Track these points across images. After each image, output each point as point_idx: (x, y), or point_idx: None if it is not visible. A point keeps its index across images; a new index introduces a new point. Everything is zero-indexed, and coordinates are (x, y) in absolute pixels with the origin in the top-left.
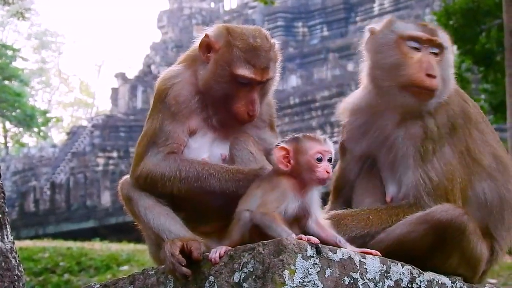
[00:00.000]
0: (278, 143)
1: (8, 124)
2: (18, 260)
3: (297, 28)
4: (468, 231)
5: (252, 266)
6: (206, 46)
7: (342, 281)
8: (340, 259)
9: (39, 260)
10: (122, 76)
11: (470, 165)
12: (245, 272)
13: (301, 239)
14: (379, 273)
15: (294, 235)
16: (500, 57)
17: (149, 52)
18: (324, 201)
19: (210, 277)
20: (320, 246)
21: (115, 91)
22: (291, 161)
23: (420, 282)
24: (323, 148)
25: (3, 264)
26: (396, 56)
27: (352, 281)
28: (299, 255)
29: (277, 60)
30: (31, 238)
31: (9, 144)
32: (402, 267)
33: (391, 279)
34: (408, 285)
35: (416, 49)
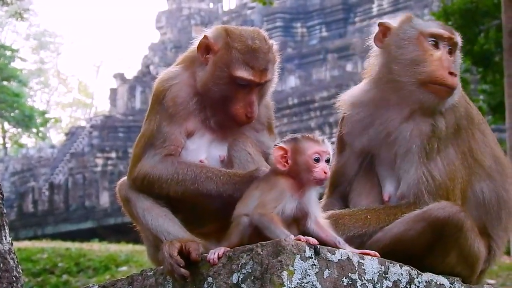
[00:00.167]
0: (277, 143)
1: (6, 125)
2: (17, 261)
3: (296, 28)
4: (465, 228)
5: (250, 267)
6: (205, 47)
7: (341, 282)
8: (338, 260)
9: (37, 261)
10: (120, 77)
11: (472, 165)
12: (244, 273)
13: (299, 240)
14: (378, 274)
15: (292, 236)
16: (499, 58)
17: (148, 53)
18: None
19: (208, 278)
20: (318, 247)
21: (113, 91)
22: (289, 161)
23: (419, 283)
24: (321, 148)
25: (1, 265)
26: (417, 52)
27: (350, 282)
28: (298, 256)
29: (275, 62)
30: (30, 238)
31: (8, 145)
32: (401, 268)
33: (389, 280)
34: (407, 286)
35: (435, 46)
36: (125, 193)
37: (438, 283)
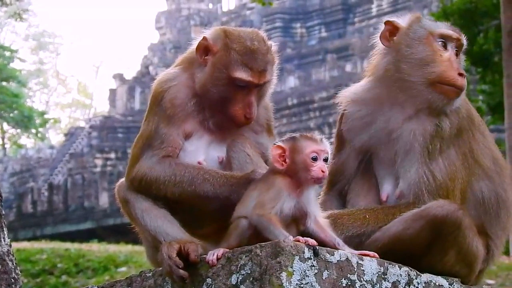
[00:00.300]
0: (275, 142)
1: (5, 126)
2: (15, 263)
3: (295, 29)
4: (463, 226)
5: (249, 268)
6: (204, 49)
7: (340, 283)
8: (337, 261)
9: (36, 261)
10: (120, 77)
11: (472, 166)
12: (243, 274)
13: (298, 241)
14: (377, 275)
15: (291, 237)
16: (498, 58)
17: (147, 53)
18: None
19: (207, 279)
20: (317, 248)
21: (113, 92)
22: (287, 160)
23: (418, 283)
24: (319, 147)
25: (0, 267)
26: (427, 52)
27: (349, 283)
28: (297, 257)
29: (274, 63)
30: (29, 239)
31: (7, 146)
32: (400, 269)
33: (388, 281)
34: (406, 286)
35: (444, 47)
36: (124, 194)
37: (437, 284)
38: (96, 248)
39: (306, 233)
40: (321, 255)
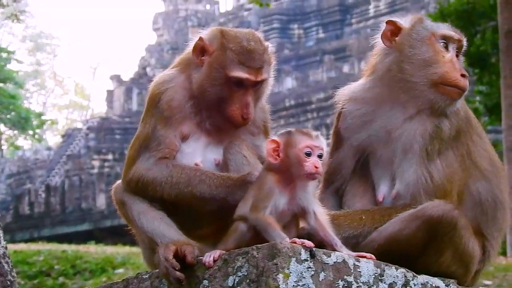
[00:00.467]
0: (270, 136)
1: (2, 127)
2: (11, 265)
3: (292, 30)
4: (459, 226)
5: (246, 270)
6: (200, 49)
7: (336, 285)
8: (334, 262)
9: (33, 263)
10: (117, 78)
11: (469, 168)
12: (239, 276)
13: (295, 242)
14: (373, 276)
15: (288, 239)
16: (495, 59)
17: (145, 54)
18: None
19: (204, 281)
20: (314, 249)
21: (110, 93)
22: (281, 154)
23: (414, 285)
24: (313, 143)
25: None
26: (429, 53)
27: (346, 285)
28: (293, 259)
29: (271, 63)
30: (26, 241)
31: (4, 147)
32: (396, 270)
33: (385, 283)
34: None
35: (445, 48)
36: (121, 196)
37: (433, 285)
38: (93, 250)
39: (305, 232)
40: (317, 257)
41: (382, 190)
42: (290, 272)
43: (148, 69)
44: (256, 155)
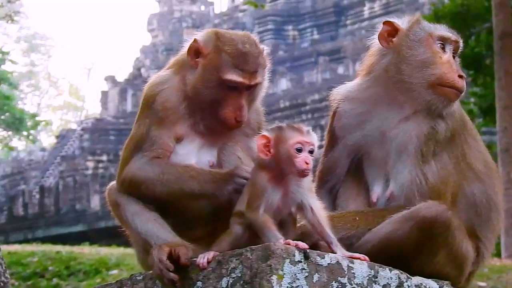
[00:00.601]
0: (260, 132)
1: None
2: (5, 267)
3: (287, 31)
4: (452, 226)
5: (240, 272)
6: (195, 51)
7: (330, 286)
8: (328, 264)
9: (27, 264)
10: (112, 79)
11: (464, 170)
12: (233, 278)
13: (289, 244)
14: (367, 278)
15: (282, 240)
16: (490, 61)
17: (139, 55)
18: None
19: (198, 282)
20: (308, 251)
21: (104, 94)
22: (271, 150)
23: (408, 286)
24: (304, 139)
25: None
26: (427, 54)
27: (340, 286)
28: (287, 260)
29: (265, 66)
30: (20, 242)
31: None
32: (390, 272)
33: (379, 284)
34: None
35: (442, 49)
36: (115, 197)
37: (427, 286)
38: (87, 251)
39: (299, 233)
40: (311, 258)
41: (376, 191)
42: (284, 274)
43: (142, 70)
44: (251, 157)
